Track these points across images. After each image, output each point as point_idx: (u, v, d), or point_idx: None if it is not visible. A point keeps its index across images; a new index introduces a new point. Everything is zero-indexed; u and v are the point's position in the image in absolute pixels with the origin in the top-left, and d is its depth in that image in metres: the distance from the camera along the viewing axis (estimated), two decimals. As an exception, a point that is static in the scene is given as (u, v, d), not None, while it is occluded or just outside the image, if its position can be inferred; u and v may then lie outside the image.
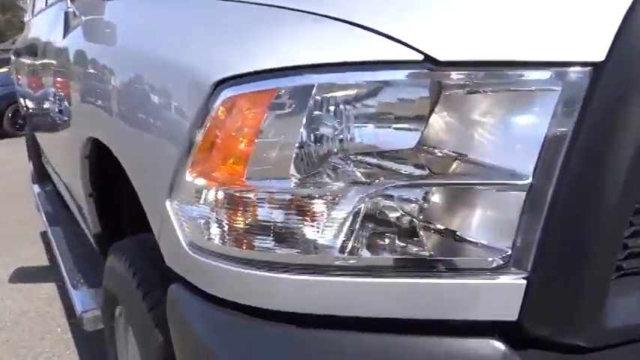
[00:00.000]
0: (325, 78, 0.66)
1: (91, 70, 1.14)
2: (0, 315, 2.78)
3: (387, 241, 0.68)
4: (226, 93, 0.70)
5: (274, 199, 0.71)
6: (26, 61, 2.70)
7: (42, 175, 3.94)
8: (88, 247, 2.33)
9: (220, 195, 0.74)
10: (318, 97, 0.66)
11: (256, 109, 0.69)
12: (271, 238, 0.72)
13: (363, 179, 0.67)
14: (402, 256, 0.67)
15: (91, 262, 2.21)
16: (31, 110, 3.13)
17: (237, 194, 0.73)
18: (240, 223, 0.74)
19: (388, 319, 0.67)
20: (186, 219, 0.78)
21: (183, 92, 0.77)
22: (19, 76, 3.55)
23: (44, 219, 2.94)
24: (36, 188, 3.70)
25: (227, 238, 0.75)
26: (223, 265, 0.75)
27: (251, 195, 0.72)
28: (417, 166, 0.67)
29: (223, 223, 0.75)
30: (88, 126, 1.25)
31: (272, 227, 0.72)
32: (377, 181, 0.67)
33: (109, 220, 1.62)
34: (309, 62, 0.67)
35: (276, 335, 0.71)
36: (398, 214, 0.67)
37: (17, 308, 2.84)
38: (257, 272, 0.72)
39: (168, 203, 0.81)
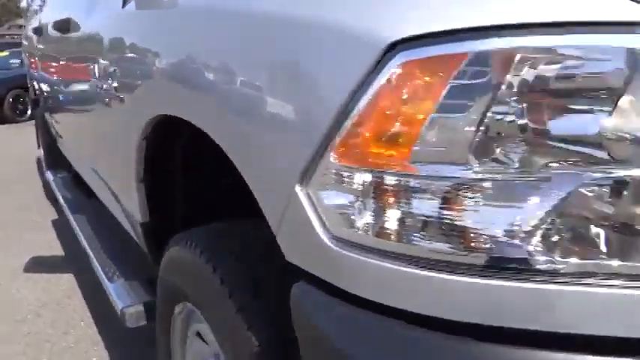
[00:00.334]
0: (535, 41, 0.54)
1: (177, 39, 1.01)
2: (19, 306, 2.65)
3: (598, 241, 0.56)
4: (402, 57, 0.58)
5: (445, 187, 0.60)
6: (51, 39, 2.56)
7: (55, 162, 3.81)
8: (118, 238, 2.22)
9: (376, 179, 0.62)
10: (520, 66, 0.54)
11: (437, 77, 0.57)
12: (442, 234, 0.60)
13: (566, 168, 0.56)
14: (628, 263, 0.55)
15: (124, 254, 2.09)
16: (50, 93, 2.99)
17: (398, 179, 0.62)
18: (400, 213, 0.62)
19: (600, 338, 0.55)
20: (328, 208, 0.66)
21: (336, 57, 0.64)
22: (35, 58, 3.41)
23: (65, 207, 2.80)
24: (49, 175, 3.56)
25: (383, 230, 0.63)
26: (376, 262, 0.63)
27: (416, 181, 0.61)
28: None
29: (379, 213, 0.63)
30: (160, 103, 1.12)
31: (443, 220, 0.60)
32: (583, 171, 0.55)
33: (159, 208, 1.50)
34: (514, 22, 0.55)
35: (448, 350, 0.60)
36: (610, 211, 0.56)
37: (36, 299, 2.71)
38: (421, 272, 0.61)
39: (299, 189, 0.69)
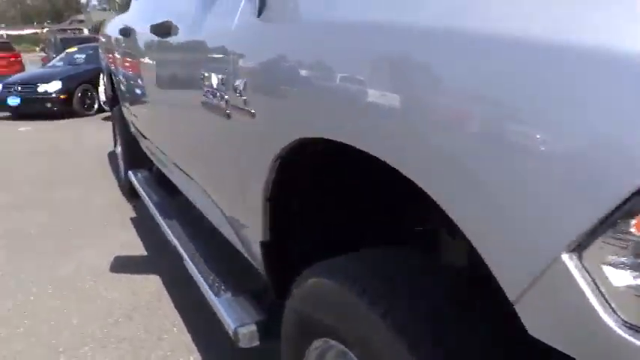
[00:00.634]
0: None
1: (348, 55, 0.91)
2: (110, 308, 2.66)
3: None
4: None
5: None
6: (144, 42, 2.53)
7: (134, 160, 3.84)
8: (215, 246, 2.17)
9: None
10: None
11: None
12: None
13: None
14: None
15: (224, 264, 2.04)
16: (137, 94, 2.98)
17: None
18: None
19: None
20: (619, 289, 0.53)
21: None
22: (119, 58, 3.42)
23: (152, 208, 2.79)
24: (132, 175, 3.58)
25: None
26: None
27: None
28: None
29: None
30: (312, 123, 1.03)
31: None
32: None
33: (282, 227, 1.42)
34: None
35: None
36: None
37: (126, 302, 2.72)
38: None
39: (568, 259, 0.56)
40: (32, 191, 4.86)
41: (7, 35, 45.13)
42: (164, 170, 2.84)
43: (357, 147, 0.88)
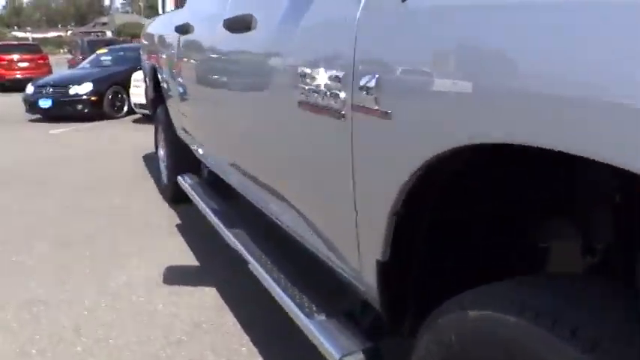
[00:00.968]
0: None
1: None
2: (170, 325, 2.48)
3: None
4: None
5: None
6: (213, 38, 2.35)
7: (184, 166, 3.67)
8: (294, 263, 1.98)
9: None
10: None
11: None
12: None
13: None
14: None
15: (308, 279, 1.84)
16: (198, 97, 2.80)
17: None
18: None
19: None
20: None
21: None
22: (171, 58, 3.25)
23: (213, 217, 2.60)
24: (183, 180, 3.40)
25: None
26: None
27: None
28: None
29: None
30: (481, 127, 0.83)
31: None
32: None
33: (403, 247, 1.23)
34: None
35: None
36: None
37: (187, 318, 2.54)
38: None
39: None
40: (73, 198, 4.72)
41: (33, 38, 45.85)
42: (226, 177, 2.65)
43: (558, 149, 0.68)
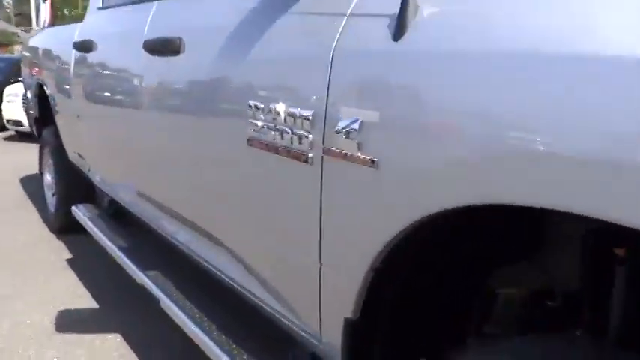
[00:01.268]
0: None
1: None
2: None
3: None
4: None
5: None
6: (129, 60, 2.11)
7: (78, 195, 3.32)
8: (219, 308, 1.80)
9: None
10: None
11: None
12: None
13: None
14: None
15: (241, 331, 1.67)
16: (111, 124, 2.52)
17: None
18: None
19: None
20: None
21: None
22: (81, 77, 2.91)
23: (123, 257, 2.32)
24: (78, 211, 3.05)
25: None
26: None
27: None
28: None
29: None
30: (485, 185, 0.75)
31: None
32: None
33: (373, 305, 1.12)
34: None
35: None
36: None
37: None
38: None
39: None
40: None
41: None
42: (135, 209, 2.39)
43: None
